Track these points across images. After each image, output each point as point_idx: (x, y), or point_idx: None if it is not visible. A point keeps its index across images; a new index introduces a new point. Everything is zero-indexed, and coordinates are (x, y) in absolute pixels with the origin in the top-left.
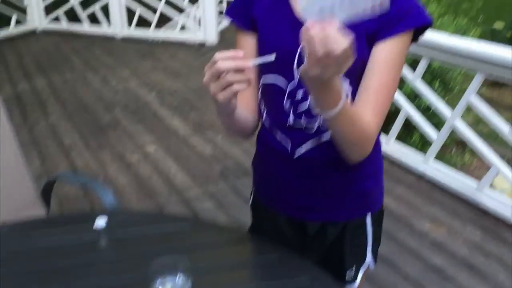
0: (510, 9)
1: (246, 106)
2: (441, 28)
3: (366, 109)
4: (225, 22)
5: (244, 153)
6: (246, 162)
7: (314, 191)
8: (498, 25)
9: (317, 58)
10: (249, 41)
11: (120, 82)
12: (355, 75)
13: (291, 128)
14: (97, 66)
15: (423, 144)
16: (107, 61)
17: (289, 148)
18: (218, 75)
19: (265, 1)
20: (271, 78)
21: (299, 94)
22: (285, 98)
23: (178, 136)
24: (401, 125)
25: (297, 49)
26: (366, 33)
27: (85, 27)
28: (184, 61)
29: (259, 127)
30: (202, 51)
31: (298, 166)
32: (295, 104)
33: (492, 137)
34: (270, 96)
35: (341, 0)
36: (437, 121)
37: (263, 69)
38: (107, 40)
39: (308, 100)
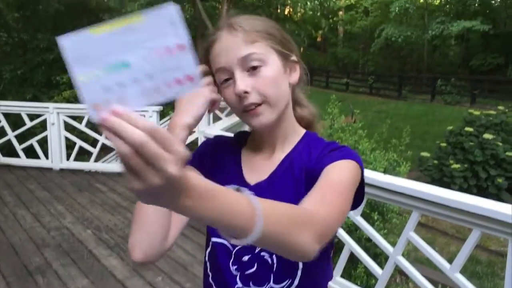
0: (432, 139)
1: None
2: (375, 162)
3: (310, 203)
4: None
5: None
6: None
7: None
8: (425, 154)
9: (122, 157)
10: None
11: (53, 218)
12: None
13: None
14: (31, 201)
15: (368, 275)
16: (41, 195)
17: None
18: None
19: (218, 159)
20: (217, 240)
21: (245, 257)
22: (231, 263)
23: (115, 279)
24: (346, 260)
25: None
26: (306, 175)
27: (21, 160)
28: (124, 193)
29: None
30: None
31: None
32: (241, 266)
33: (433, 264)
34: (216, 258)
35: (135, 76)
36: (379, 251)
37: (211, 232)
38: (44, 173)
39: (256, 263)
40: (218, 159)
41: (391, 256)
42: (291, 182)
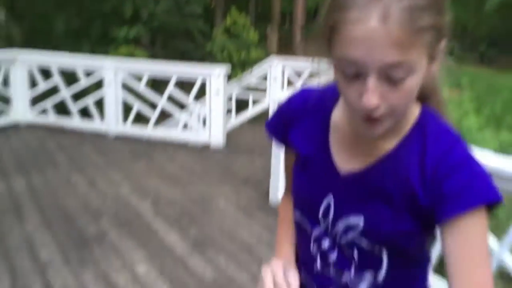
0: None
1: None
2: (481, 144)
3: None
4: (233, 121)
5: (252, 278)
6: None
7: None
8: None
9: None
10: (289, 156)
11: (110, 186)
12: (396, 247)
13: (318, 274)
14: (85, 166)
15: None
16: (96, 161)
17: None
18: None
19: (304, 129)
20: (298, 216)
21: (325, 243)
22: (311, 243)
23: (174, 255)
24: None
25: (324, 197)
26: (412, 205)
27: (75, 122)
28: (184, 165)
29: None
30: (205, 154)
31: None
32: (322, 252)
33: None
34: (298, 234)
35: None
36: None
37: (294, 202)
38: (99, 137)
39: (336, 251)
40: (306, 128)
41: (495, 254)
42: (389, 192)
